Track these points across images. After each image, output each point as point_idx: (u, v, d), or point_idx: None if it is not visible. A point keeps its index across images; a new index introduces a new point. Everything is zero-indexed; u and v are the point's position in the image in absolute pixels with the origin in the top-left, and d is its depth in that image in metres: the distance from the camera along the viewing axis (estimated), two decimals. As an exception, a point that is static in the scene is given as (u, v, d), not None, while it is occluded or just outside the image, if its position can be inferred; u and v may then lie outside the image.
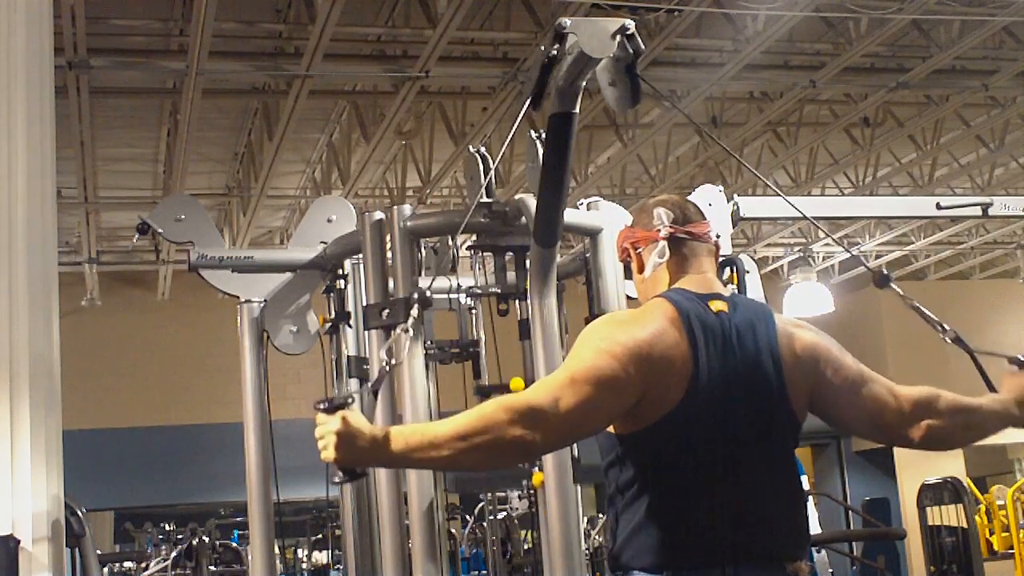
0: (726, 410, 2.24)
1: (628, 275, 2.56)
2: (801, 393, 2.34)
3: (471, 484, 4.29)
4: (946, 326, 2.50)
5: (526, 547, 9.77)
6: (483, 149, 3.47)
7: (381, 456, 2.04)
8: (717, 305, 2.31)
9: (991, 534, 12.15)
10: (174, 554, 9.72)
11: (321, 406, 2.01)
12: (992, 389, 2.54)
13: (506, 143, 2.91)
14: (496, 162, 3.53)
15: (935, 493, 10.04)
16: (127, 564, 13.79)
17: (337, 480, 2.07)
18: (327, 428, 2.00)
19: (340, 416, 1.99)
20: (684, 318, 2.25)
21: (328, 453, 2.00)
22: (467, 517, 11.09)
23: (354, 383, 3.78)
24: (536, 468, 3.29)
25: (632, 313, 2.36)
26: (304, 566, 14.62)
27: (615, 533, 2.29)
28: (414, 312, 2.33)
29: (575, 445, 3.13)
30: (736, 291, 3.83)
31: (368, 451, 2.01)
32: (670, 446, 2.23)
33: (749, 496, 2.25)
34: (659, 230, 2.41)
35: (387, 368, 2.25)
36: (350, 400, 2.03)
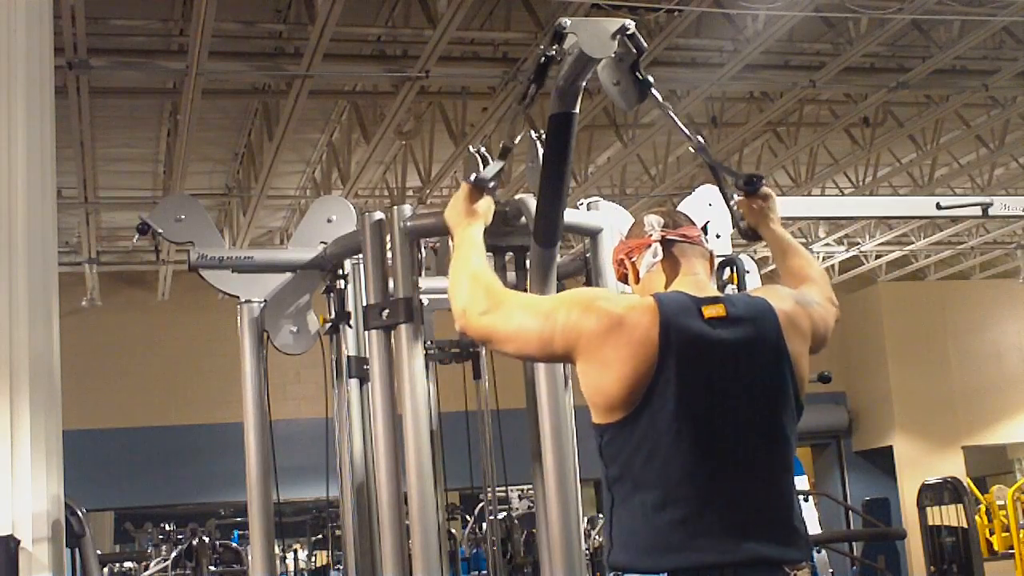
0: (713, 413, 2.24)
1: (626, 283, 2.58)
2: (805, 371, 2.38)
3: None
4: (690, 134, 2.70)
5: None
6: (483, 149, 3.47)
7: (454, 228, 2.65)
8: (712, 310, 2.30)
9: (991, 534, 12.16)
10: (174, 554, 9.72)
11: (471, 177, 2.65)
12: (735, 216, 2.80)
13: (502, 140, 2.91)
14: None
15: (935, 493, 10.04)
16: (127, 564, 13.79)
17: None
18: (460, 192, 2.66)
19: (468, 189, 2.64)
20: (663, 319, 2.25)
21: (448, 209, 2.68)
22: (467, 517, 11.10)
23: (355, 383, 3.78)
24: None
25: (616, 294, 2.40)
26: (303, 566, 14.63)
27: (611, 534, 2.30)
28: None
29: (576, 459, 3.15)
30: (736, 291, 3.84)
31: (454, 219, 2.65)
32: (644, 446, 2.23)
33: (749, 496, 2.25)
34: (651, 235, 2.47)
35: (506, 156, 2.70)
36: (491, 184, 2.66)
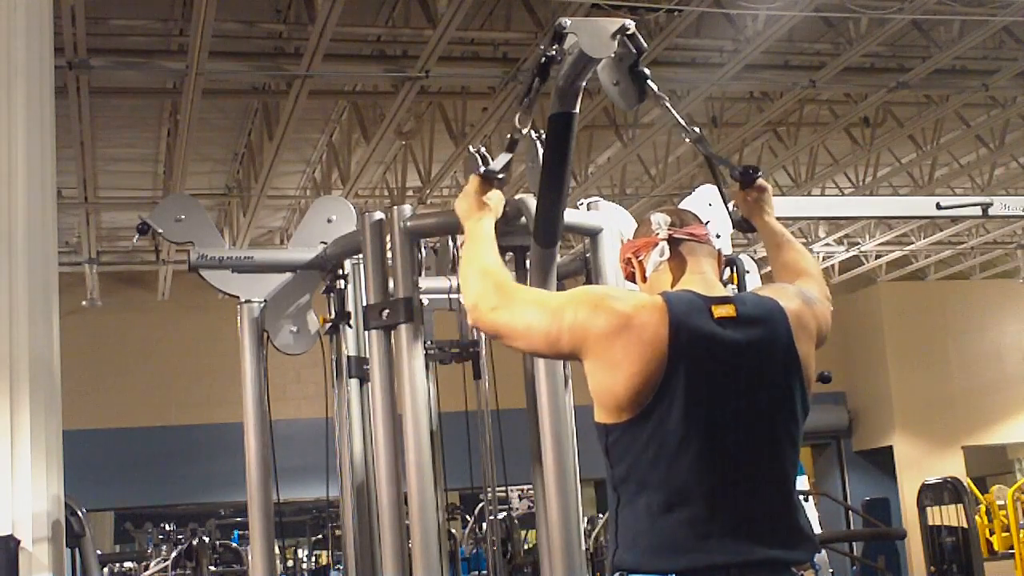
0: (723, 413, 2.22)
1: (633, 282, 2.56)
2: (812, 373, 2.37)
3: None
4: (686, 124, 2.75)
5: (526, 547, 9.78)
6: (483, 149, 3.46)
7: (464, 221, 2.62)
8: (722, 310, 2.27)
9: (991, 534, 12.15)
10: (174, 554, 9.72)
11: (480, 169, 2.66)
12: (728, 205, 2.85)
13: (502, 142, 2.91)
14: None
15: (935, 493, 10.03)
16: (127, 564, 13.80)
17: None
18: (470, 185, 2.65)
19: (478, 181, 2.64)
20: (672, 318, 2.23)
21: (459, 201, 2.67)
22: (467, 517, 11.11)
23: (355, 383, 3.78)
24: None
25: (626, 292, 2.37)
26: (304, 566, 14.63)
27: (616, 535, 2.28)
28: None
29: (576, 459, 3.14)
30: (736, 291, 3.84)
31: (465, 211, 2.62)
32: (651, 446, 2.21)
33: (756, 498, 2.24)
34: (658, 233, 2.44)
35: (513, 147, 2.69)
36: (501, 176, 2.65)
